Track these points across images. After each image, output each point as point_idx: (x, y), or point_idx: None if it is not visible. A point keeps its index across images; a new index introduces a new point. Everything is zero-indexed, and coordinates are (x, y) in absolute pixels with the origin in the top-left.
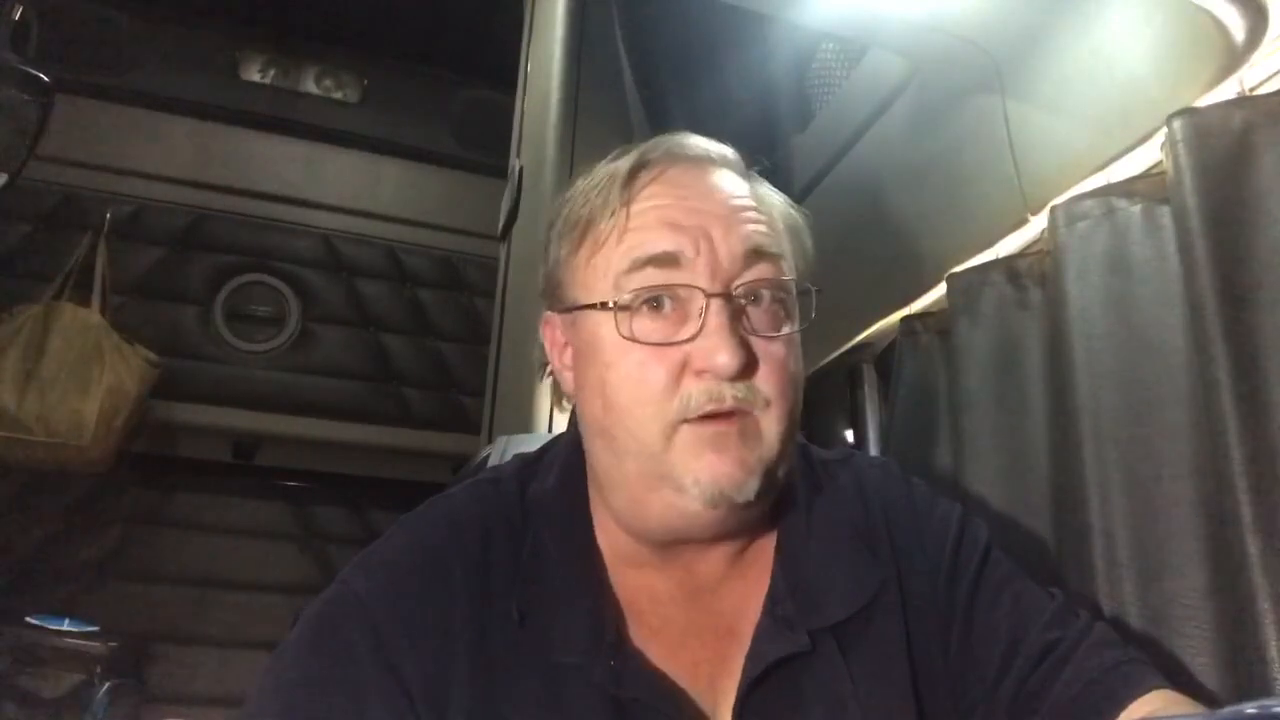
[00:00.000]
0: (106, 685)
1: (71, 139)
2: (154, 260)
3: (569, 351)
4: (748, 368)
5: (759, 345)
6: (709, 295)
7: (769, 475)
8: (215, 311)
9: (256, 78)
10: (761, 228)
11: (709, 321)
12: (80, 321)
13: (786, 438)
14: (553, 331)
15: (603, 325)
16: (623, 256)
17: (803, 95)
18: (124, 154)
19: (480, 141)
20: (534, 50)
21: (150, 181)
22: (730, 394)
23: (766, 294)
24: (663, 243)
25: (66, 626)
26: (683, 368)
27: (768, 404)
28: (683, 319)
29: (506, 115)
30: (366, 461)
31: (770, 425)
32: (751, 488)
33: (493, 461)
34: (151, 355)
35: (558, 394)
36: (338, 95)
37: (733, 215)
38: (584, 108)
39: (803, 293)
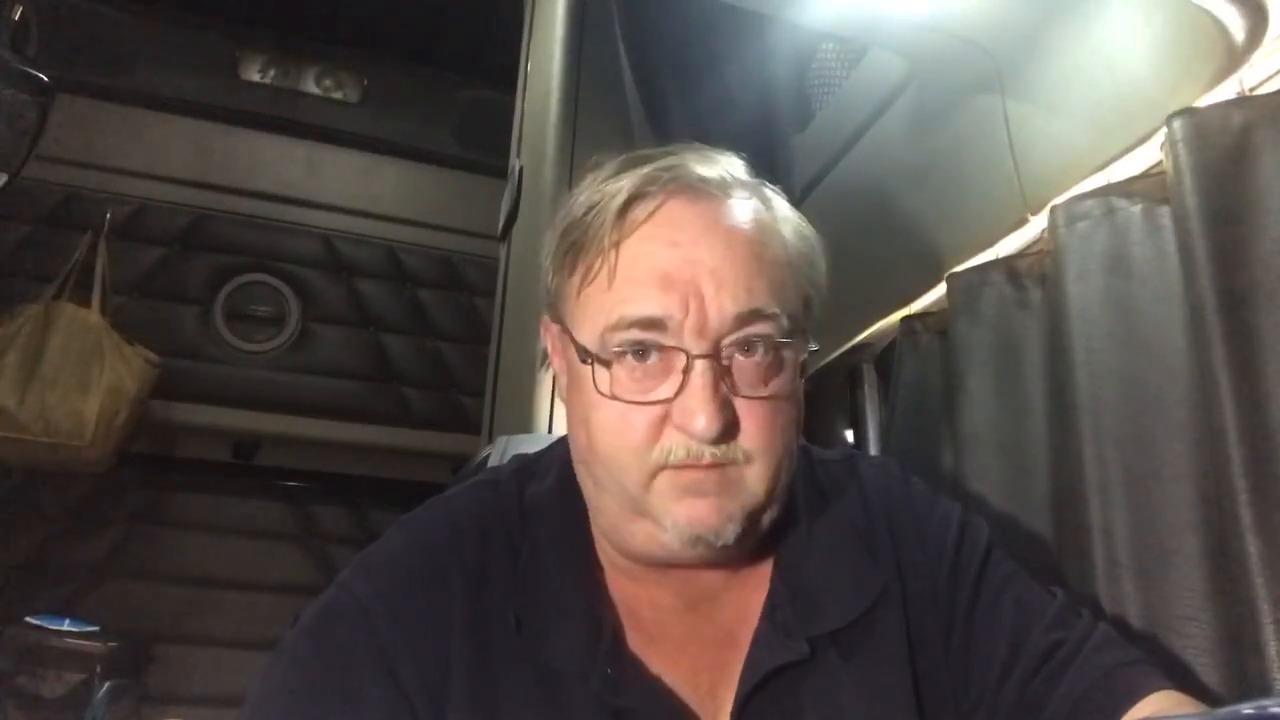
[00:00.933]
0: (106, 685)
1: (71, 139)
2: (154, 260)
3: (564, 362)
4: (729, 429)
5: (743, 404)
6: (692, 356)
7: (751, 520)
8: (215, 311)
9: (256, 78)
10: (760, 281)
11: (690, 382)
12: (80, 321)
13: (772, 487)
14: (551, 337)
15: (591, 382)
16: (610, 309)
17: (803, 95)
18: (124, 154)
19: (480, 141)
20: (534, 50)
21: (150, 181)
22: (709, 453)
23: (759, 345)
24: (650, 305)
25: (66, 626)
26: (664, 420)
27: (750, 460)
28: (666, 372)
29: (506, 115)
30: (366, 461)
31: (753, 478)
32: (730, 533)
33: (493, 462)
34: (151, 355)
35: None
36: (338, 95)
37: (728, 268)
38: (584, 108)
39: (807, 323)
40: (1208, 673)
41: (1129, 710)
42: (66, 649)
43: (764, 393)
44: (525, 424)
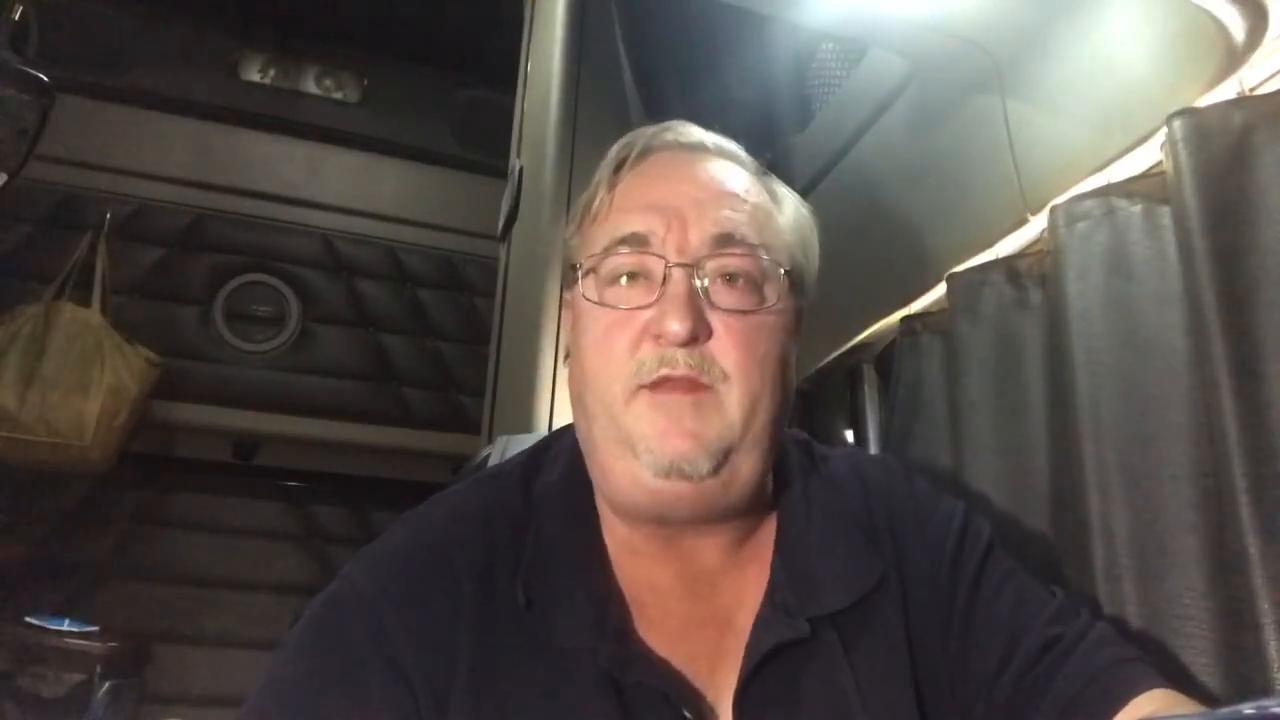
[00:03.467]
0: (106, 685)
1: (71, 139)
2: (154, 260)
3: (573, 314)
4: (699, 334)
5: (720, 319)
6: (670, 265)
7: (727, 455)
8: (215, 311)
9: (256, 78)
10: (740, 216)
11: (666, 290)
12: (81, 321)
13: (751, 420)
14: (567, 313)
15: (581, 293)
16: (604, 236)
17: (803, 95)
18: (124, 154)
19: (480, 141)
20: (534, 50)
21: (150, 181)
22: (683, 360)
23: (740, 276)
24: (635, 224)
25: (66, 626)
26: (643, 334)
27: (726, 378)
28: (649, 290)
29: (506, 115)
30: (366, 461)
31: (731, 403)
32: (703, 464)
33: (493, 461)
34: (152, 355)
35: None
36: (338, 95)
37: (711, 200)
38: (584, 108)
39: (794, 281)
40: (1207, 673)
41: (1124, 707)
42: (66, 649)
43: (742, 314)
44: (525, 424)
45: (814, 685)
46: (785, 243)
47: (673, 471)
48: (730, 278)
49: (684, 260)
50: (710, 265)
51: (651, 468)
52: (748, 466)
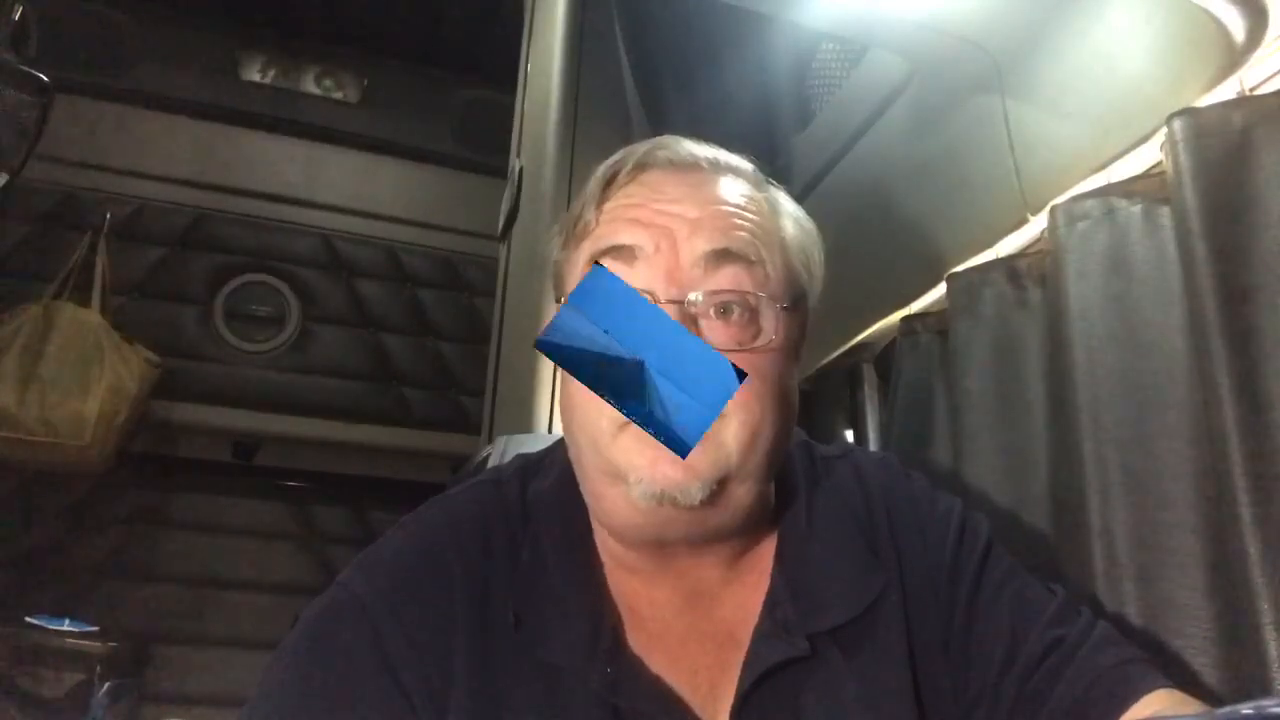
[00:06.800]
0: (106, 685)
1: (71, 139)
2: (154, 260)
3: None
4: None
5: None
6: (661, 302)
7: (722, 484)
8: (215, 311)
9: (256, 78)
10: (739, 233)
11: None
12: (80, 321)
13: (749, 452)
14: None
15: None
16: (587, 252)
17: (803, 95)
18: (124, 154)
19: (480, 141)
20: (534, 50)
21: (150, 181)
22: None
23: (735, 308)
24: (621, 237)
25: (66, 626)
26: None
27: (722, 415)
28: None
29: (506, 115)
30: (366, 461)
31: (728, 436)
32: (695, 492)
33: (493, 462)
34: (152, 355)
35: None
36: (338, 95)
37: (704, 218)
38: (584, 108)
39: (795, 304)
40: (1207, 673)
41: (1129, 709)
42: (66, 649)
43: (738, 352)
44: (525, 424)
45: (813, 702)
46: (786, 260)
47: (665, 500)
48: (725, 310)
49: (676, 295)
50: (703, 300)
51: (643, 497)
52: (744, 492)
